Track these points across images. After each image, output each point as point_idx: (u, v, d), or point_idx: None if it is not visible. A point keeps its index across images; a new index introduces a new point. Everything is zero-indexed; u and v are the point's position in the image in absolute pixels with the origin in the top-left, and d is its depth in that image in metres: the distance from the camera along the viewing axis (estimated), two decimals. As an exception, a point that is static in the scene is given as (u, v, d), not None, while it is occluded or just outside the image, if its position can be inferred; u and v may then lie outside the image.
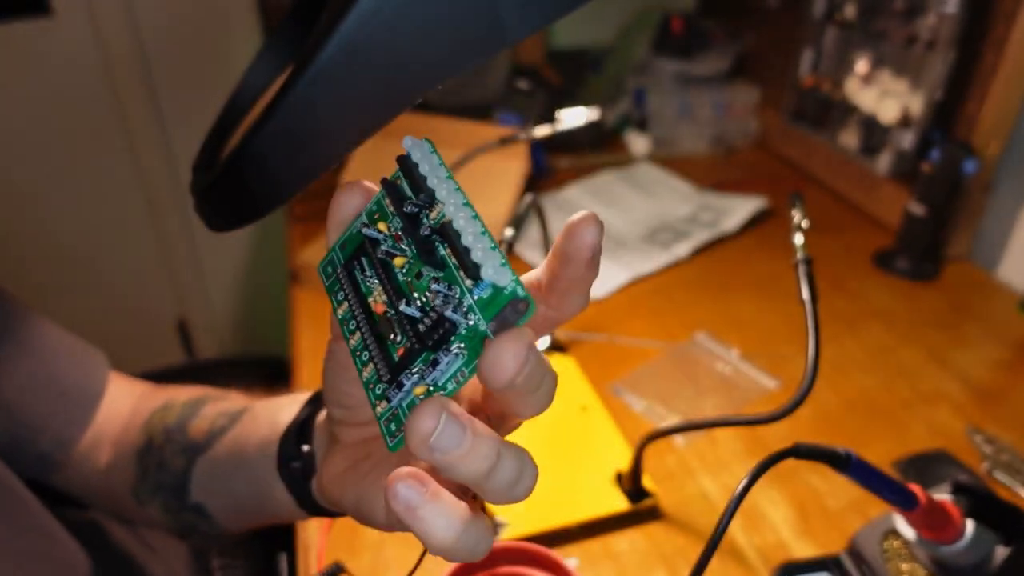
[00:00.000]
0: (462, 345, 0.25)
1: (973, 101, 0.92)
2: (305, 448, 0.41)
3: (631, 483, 0.60)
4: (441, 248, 0.26)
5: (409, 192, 0.27)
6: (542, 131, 0.72)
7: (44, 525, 0.47)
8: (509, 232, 0.58)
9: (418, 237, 0.26)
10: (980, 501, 0.48)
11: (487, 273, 0.24)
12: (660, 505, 0.62)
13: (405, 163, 0.27)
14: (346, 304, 0.29)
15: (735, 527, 0.60)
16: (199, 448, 0.48)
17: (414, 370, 0.26)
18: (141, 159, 1.41)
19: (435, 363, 0.26)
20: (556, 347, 0.79)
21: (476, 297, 0.24)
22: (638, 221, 1.09)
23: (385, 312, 0.27)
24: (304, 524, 0.61)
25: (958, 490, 0.49)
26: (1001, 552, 0.46)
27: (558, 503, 0.60)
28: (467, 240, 0.25)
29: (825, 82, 1.11)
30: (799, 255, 0.50)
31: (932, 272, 0.96)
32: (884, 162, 0.99)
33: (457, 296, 0.25)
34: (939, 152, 0.90)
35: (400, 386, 0.26)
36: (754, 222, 1.05)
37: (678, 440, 0.69)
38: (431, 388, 0.26)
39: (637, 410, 0.73)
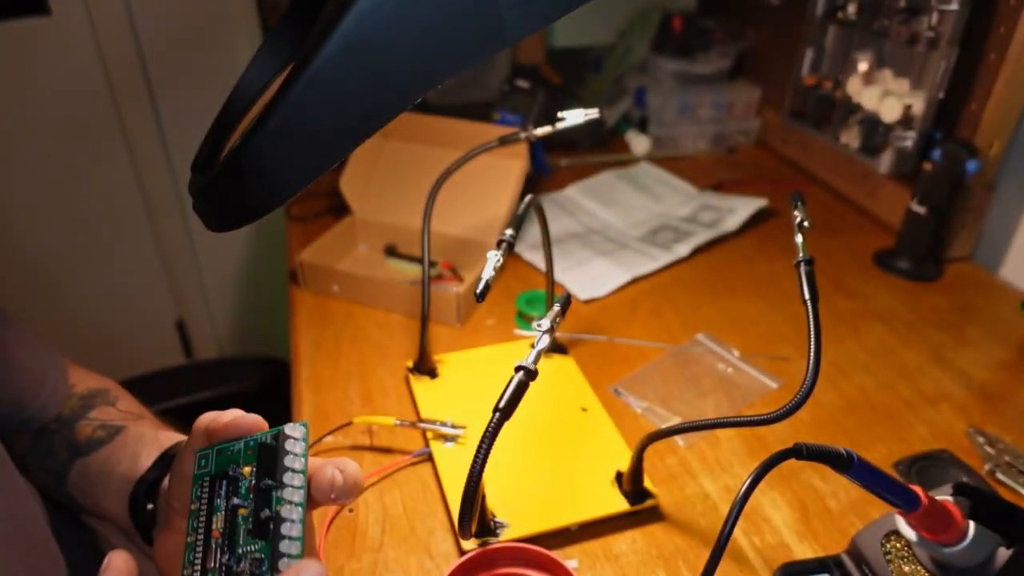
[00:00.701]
0: None
1: (975, 100, 0.92)
2: (149, 507, 0.51)
3: (631, 484, 0.60)
4: (271, 525, 0.35)
5: (274, 467, 0.37)
6: (542, 131, 0.72)
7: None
8: (509, 232, 0.58)
9: (258, 515, 0.36)
10: (982, 502, 0.48)
11: (283, 563, 0.35)
12: (660, 506, 0.62)
13: (277, 443, 0.37)
14: (198, 505, 0.38)
15: (736, 528, 0.60)
16: (80, 450, 0.55)
17: None
18: (139, 159, 1.41)
19: None
20: (556, 348, 0.79)
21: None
22: (638, 221, 1.09)
23: (220, 538, 0.36)
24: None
25: (960, 491, 0.49)
26: (1003, 554, 0.46)
27: (558, 504, 0.60)
28: (284, 530, 0.35)
29: (826, 81, 1.11)
30: (800, 255, 0.50)
31: (933, 272, 0.96)
32: (885, 162, 0.99)
33: (264, 570, 0.35)
34: (941, 152, 0.90)
35: None
36: (755, 222, 1.05)
37: (679, 441, 0.69)
38: None
39: (637, 411, 0.73)
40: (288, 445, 0.37)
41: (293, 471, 0.36)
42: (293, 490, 0.36)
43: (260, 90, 0.44)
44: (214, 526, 0.36)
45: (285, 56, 0.44)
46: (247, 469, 0.37)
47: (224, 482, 0.37)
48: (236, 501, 0.36)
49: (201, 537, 0.37)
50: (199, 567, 0.36)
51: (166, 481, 0.47)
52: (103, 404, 0.58)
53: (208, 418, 0.41)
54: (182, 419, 0.53)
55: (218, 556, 0.36)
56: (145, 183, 1.44)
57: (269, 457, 0.37)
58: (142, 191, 1.45)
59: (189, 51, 1.37)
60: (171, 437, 0.55)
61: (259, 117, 0.33)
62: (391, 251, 0.96)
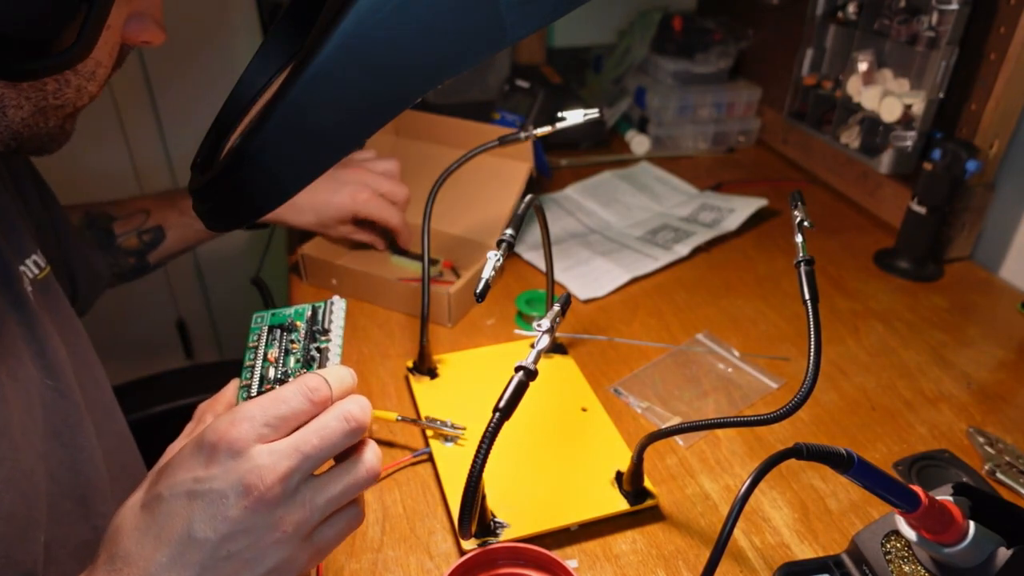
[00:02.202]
0: None
1: (975, 100, 0.92)
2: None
3: (631, 484, 0.60)
4: (317, 357, 0.47)
5: (322, 323, 0.49)
6: (542, 131, 0.72)
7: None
8: (509, 232, 0.58)
9: (307, 351, 0.47)
10: (982, 502, 0.48)
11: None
12: (661, 506, 0.62)
13: (325, 308, 0.50)
14: (255, 343, 0.48)
15: (736, 528, 0.60)
16: (146, 249, 0.85)
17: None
18: (139, 159, 1.41)
19: None
20: (556, 348, 0.79)
21: None
22: (638, 221, 1.09)
23: (275, 362, 0.47)
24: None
25: (960, 491, 0.49)
26: (1003, 554, 0.46)
27: (558, 504, 0.60)
28: (330, 359, 0.47)
29: (826, 81, 1.11)
30: (800, 255, 0.50)
31: (933, 272, 0.96)
32: (886, 161, 0.99)
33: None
34: (941, 152, 0.90)
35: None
36: (755, 222, 1.05)
37: (679, 441, 0.69)
38: None
39: (637, 411, 0.73)
40: (334, 310, 0.49)
41: (337, 325, 0.48)
42: (336, 337, 0.47)
43: (260, 90, 0.44)
44: (270, 354, 0.47)
45: (285, 56, 0.44)
46: (299, 323, 0.49)
47: (279, 331, 0.48)
48: (291, 338, 0.47)
49: (258, 370, 0.47)
50: (257, 381, 0.46)
51: None
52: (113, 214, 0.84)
53: (205, 406, 0.50)
54: (183, 420, 0.54)
55: (272, 371, 0.46)
56: (145, 183, 1.44)
57: (318, 316, 0.49)
58: (142, 191, 1.45)
59: (189, 51, 1.37)
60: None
61: (259, 117, 0.33)
62: (395, 248, 0.96)
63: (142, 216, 0.86)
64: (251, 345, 0.48)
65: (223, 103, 0.45)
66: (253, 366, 0.47)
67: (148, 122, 1.39)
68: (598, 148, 1.31)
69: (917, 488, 0.44)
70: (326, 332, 0.47)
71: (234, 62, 1.38)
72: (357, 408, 0.40)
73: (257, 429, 0.38)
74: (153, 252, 0.87)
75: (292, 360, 0.47)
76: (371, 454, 0.42)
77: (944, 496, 0.48)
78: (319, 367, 0.45)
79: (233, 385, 0.50)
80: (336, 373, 0.42)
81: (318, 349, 0.46)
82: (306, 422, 0.40)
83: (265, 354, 0.47)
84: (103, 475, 0.59)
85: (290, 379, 0.44)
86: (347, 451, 0.42)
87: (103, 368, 0.66)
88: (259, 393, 0.45)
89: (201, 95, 1.38)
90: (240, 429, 0.38)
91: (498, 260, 0.55)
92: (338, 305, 0.49)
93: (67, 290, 0.70)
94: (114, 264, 0.83)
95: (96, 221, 0.83)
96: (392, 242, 0.95)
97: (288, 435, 0.39)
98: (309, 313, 0.49)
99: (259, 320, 0.50)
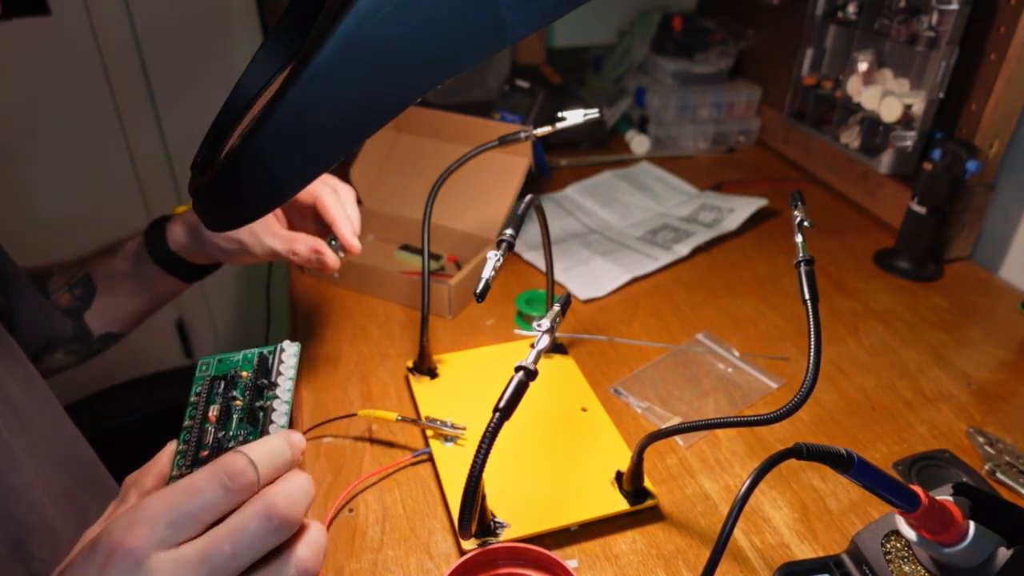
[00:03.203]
0: None
1: (975, 100, 0.92)
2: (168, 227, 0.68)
3: (631, 484, 0.60)
4: (261, 415, 0.41)
5: (270, 373, 0.42)
6: (542, 130, 0.72)
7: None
8: (509, 232, 0.58)
9: (252, 406, 0.41)
10: (982, 502, 0.48)
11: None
12: (661, 506, 0.62)
13: (274, 355, 0.43)
14: (196, 400, 0.43)
15: (736, 528, 0.60)
16: (79, 310, 0.72)
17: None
18: (139, 159, 1.41)
19: None
20: (556, 348, 0.79)
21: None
22: (638, 221, 1.09)
23: (215, 422, 0.41)
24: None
25: (960, 491, 0.49)
26: (1003, 554, 0.46)
27: (558, 504, 0.60)
28: (274, 418, 0.41)
29: (826, 81, 1.11)
30: (800, 255, 0.50)
31: (933, 272, 0.96)
32: (885, 161, 0.99)
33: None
34: (941, 152, 0.90)
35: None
36: (754, 222, 1.05)
37: (679, 441, 0.69)
38: None
39: (637, 411, 0.73)
40: (284, 357, 0.43)
41: (286, 377, 0.42)
42: (284, 391, 0.42)
43: (260, 90, 0.44)
44: (210, 413, 0.42)
45: (285, 56, 0.44)
46: (245, 373, 0.43)
47: (223, 382, 0.43)
48: (233, 394, 0.42)
49: (196, 432, 0.41)
50: (194, 446, 0.41)
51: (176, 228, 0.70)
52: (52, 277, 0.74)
53: (132, 479, 0.44)
54: (181, 420, 0.54)
55: (212, 434, 0.41)
56: (145, 183, 1.44)
57: (266, 365, 0.43)
58: (142, 191, 1.45)
59: (189, 51, 1.37)
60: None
61: (259, 117, 0.33)
62: (405, 247, 0.97)
63: (77, 268, 0.74)
64: (192, 400, 0.42)
65: (223, 103, 0.45)
66: (191, 427, 0.41)
67: (148, 122, 1.39)
68: (598, 148, 1.31)
69: (917, 488, 0.44)
70: (273, 386, 0.42)
71: (234, 62, 1.38)
72: (284, 500, 0.33)
73: (159, 533, 0.32)
74: (88, 311, 0.73)
75: (235, 421, 0.41)
76: (305, 549, 0.34)
77: (944, 496, 0.48)
78: (262, 431, 0.40)
79: (168, 451, 0.42)
80: (268, 447, 0.35)
81: (262, 408, 0.41)
82: (226, 514, 0.33)
83: (206, 413, 0.41)
84: (43, 513, 0.54)
85: (230, 446, 0.39)
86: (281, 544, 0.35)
87: (56, 403, 0.62)
88: (195, 463, 0.40)
89: (201, 95, 1.38)
90: (138, 535, 0.31)
91: (498, 260, 0.55)
92: (289, 351, 0.43)
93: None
94: (54, 330, 0.72)
95: (36, 276, 0.73)
96: (404, 244, 0.95)
97: (200, 534, 0.33)
98: (257, 361, 0.43)
99: (204, 368, 0.44)
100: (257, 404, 0.41)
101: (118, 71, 1.32)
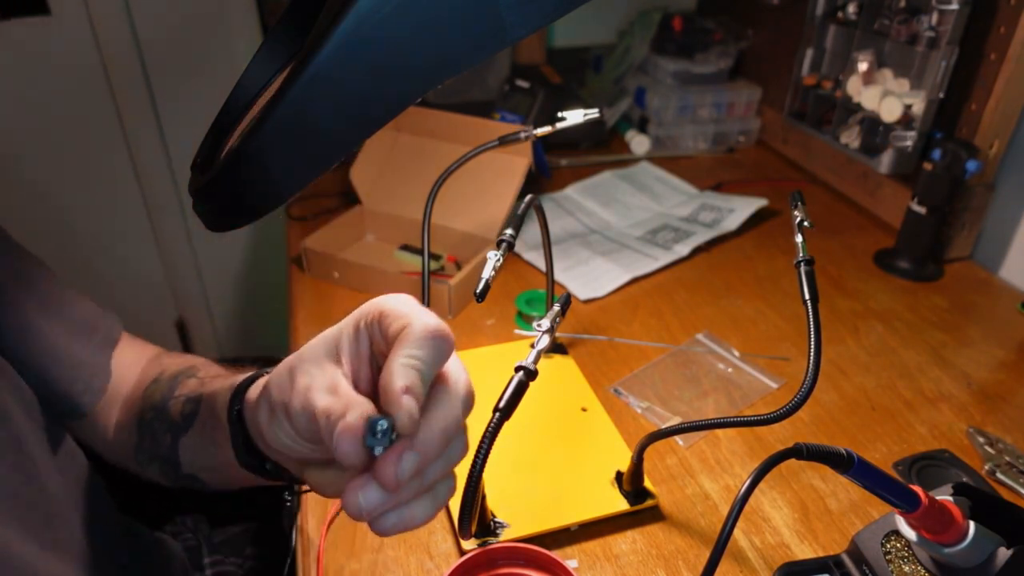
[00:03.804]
0: None
1: (975, 100, 0.92)
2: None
3: (631, 484, 0.60)
4: None
5: None
6: (542, 130, 0.72)
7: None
8: (509, 232, 0.58)
9: None
10: (982, 502, 0.48)
11: None
12: (661, 506, 0.62)
13: None
14: None
15: (736, 528, 0.60)
16: (180, 428, 0.54)
17: None
18: (139, 159, 1.41)
19: None
20: (556, 348, 0.79)
21: None
22: (638, 221, 1.09)
23: None
24: (303, 526, 0.61)
25: (960, 491, 0.49)
26: (1003, 554, 0.46)
27: (558, 504, 0.60)
28: None
29: (826, 81, 1.11)
30: (800, 255, 0.50)
31: (933, 272, 0.96)
32: (885, 161, 0.99)
33: None
34: (941, 152, 0.90)
35: None
36: (755, 222, 1.05)
37: (679, 441, 0.69)
38: None
39: (637, 411, 0.73)
40: None
41: None
42: None
43: (260, 90, 0.44)
44: None
45: (285, 56, 0.44)
46: None
47: None
48: None
49: None
50: None
51: (253, 394, 0.46)
52: (185, 379, 0.57)
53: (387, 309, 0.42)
54: None
55: None
56: (145, 183, 1.44)
57: None
58: (142, 191, 1.45)
59: (189, 51, 1.37)
60: (242, 374, 0.50)
61: (259, 117, 0.33)
62: (405, 247, 0.97)
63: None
64: None
65: (223, 103, 0.45)
66: None
67: (148, 122, 1.39)
68: (598, 148, 1.31)
69: (917, 488, 0.44)
70: None
71: (234, 62, 1.38)
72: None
73: None
74: (193, 422, 0.55)
75: None
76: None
77: (944, 496, 0.48)
78: None
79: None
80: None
81: None
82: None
83: None
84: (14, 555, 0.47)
85: None
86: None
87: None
88: None
89: (201, 95, 1.38)
90: None
91: (498, 260, 0.55)
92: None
93: None
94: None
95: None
96: (404, 245, 0.95)
97: None
98: None
99: None
100: None
101: (118, 71, 1.32)
